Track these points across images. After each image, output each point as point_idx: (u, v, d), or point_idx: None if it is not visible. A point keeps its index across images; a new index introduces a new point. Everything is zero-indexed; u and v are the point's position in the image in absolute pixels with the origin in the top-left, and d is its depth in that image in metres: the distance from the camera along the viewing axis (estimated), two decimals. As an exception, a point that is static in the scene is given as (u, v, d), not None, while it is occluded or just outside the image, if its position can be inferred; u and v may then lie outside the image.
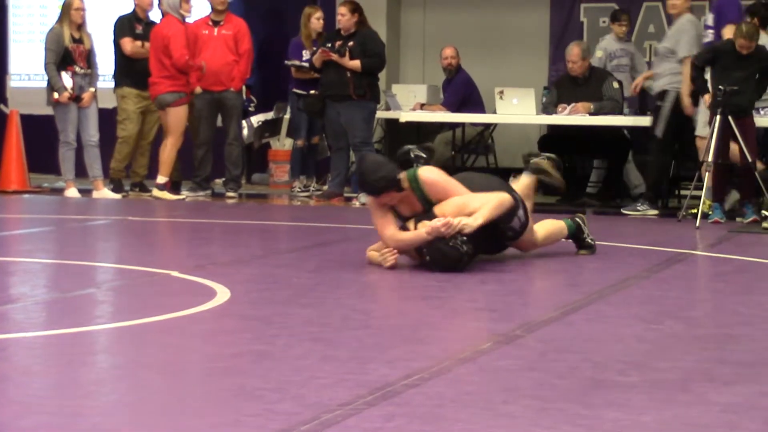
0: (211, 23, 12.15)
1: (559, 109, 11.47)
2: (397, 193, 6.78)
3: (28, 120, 13.07)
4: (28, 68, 14.92)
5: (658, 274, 7.05)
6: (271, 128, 13.50)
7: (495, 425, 3.52)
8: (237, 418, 3.55)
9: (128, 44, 12.16)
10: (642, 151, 11.18)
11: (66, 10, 11.87)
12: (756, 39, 9.76)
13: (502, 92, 11.68)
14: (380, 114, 12.23)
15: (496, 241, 7.11)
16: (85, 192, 12.03)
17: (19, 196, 12.23)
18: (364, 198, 7.13)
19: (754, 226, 9.53)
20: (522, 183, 7.61)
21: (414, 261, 6.90)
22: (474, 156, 12.81)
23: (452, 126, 12.42)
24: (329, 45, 11.35)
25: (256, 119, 13.47)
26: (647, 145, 10.88)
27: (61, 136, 11.89)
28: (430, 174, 6.93)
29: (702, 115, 10.31)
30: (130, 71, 12.12)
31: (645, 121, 10.95)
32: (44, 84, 12.00)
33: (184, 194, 12.13)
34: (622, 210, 10.75)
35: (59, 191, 12.27)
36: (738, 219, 9.90)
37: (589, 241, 7.57)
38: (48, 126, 12.19)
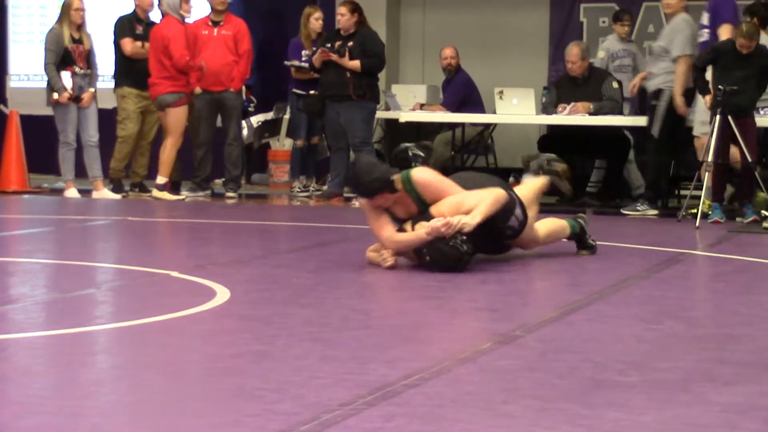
0: (210, 23, 12.15)
1: (559, 109, 11.48)
2: (391, 194, 6.77)
3: (27, 120, 13.07)
4: (27, 68, 14.92)
5: (658, 274, 7.05)
6: (270, 128, 13.50)
7: (495, 425, 3.51)
8: (237, 418, 3.54)
9: (128, 44, 12.16)
10: (643, 151, 11.19)
11: (66, 10, 11.88)
12: (756, 38, 9.77)
13: (501, 92, 11.68)
14: (380, 114, 12.23)
15: (495, 240, 7.10)
16: (85, 192, 12.03)
17: (19, 197, 12.23)
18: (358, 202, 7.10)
19: (753, 226, 9.53)
20: (533, 184, 7.58)
21: (412, 262, 6.89)
22: (474, 156, 12.81)
23: (452, 126, 12.42)
24: (329, 45, 11.35)
25: (256, 119, 13.47)
26: (645, 145, 10.89)
27: (60, 137, 11.89)
28: (423, 175, 6.93)
29: (699, 114, 10.32)
30: (131, 71, 12.13)
31: (644, 121, 10.96)
32: (44, 84, 12.00)
33: (184, 194, 12.13)
34: (621, 210, 10.75)
35: (59, 191, 12.27)
36: (738, 219, 9.90)
37: (591, 242, 7.57)
38: (48, 126, 12.19)
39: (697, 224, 9.45)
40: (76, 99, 11.76)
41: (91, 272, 6.95)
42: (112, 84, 12.56)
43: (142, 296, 6.06)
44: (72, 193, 11.99)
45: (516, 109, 11.59)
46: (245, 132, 13.12)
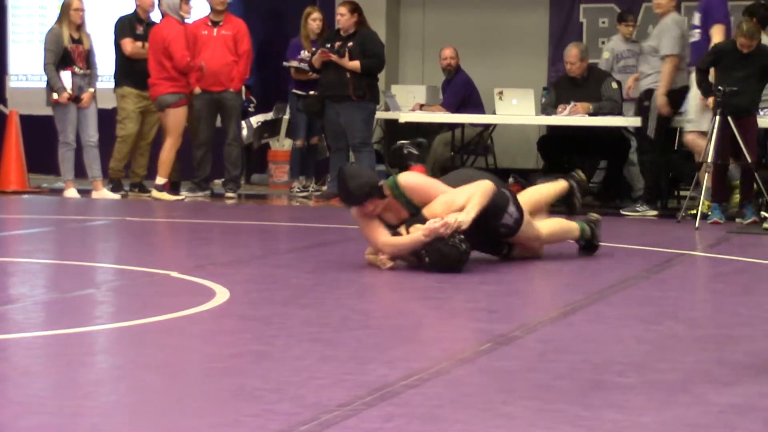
0: (210, 24, 12.15)
1: (559, 110, 11.48)
2: (380, 200, 6.75)
3: (27, 120, 13.06)
4: (27, 69, 14.92)
5: (657, 274, 7.05)
6: (270, 129, 13.50)
7: (494, 426, 3.52)
8: (236, 418, 3.55)
9: (129, 45, 12.16)
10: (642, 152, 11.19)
11: (65, 10, 11.88)
12: (757, 37, 9.77)
13: (501, 93, 11.68)
14: (380, 114, 12.22)
15: (491, 240, 7.09)
16: (85, 192, 12.03)
17: (19, 197, 12.23)
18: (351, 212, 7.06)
19: (753, 227, 9.53)
20: (547, 185, 7.55)
21: (410, 264, 6.88)
22: (473, 156, 12.81)
23: (451, 126, 12.42)
24: (328, 45, 11.35)
25: (256, 120, 13.47)
26: (642, 146, 10.89)
27: (60, 137, 11.89)
28: (409, 179, 6.93)
29: (689, 113, 10.35)
30: (131, 72, 12.13)
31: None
32: (43, 84, 12.00)
33: (184, 195, 12.13)
34: (621, 211, 10.75)
35: (58, 192, 12.27)
36: (737, 220, 9.90)
37: (596, 243, 7.53)
38: (47, 126, 12.19)
39: (697, 225, 9.45)
40: (75, 99, 11.76)
41: (91, 272, 6.95)
42: (111, 84, 12.56)
43: (141, 296, 6.06)
44: (71, 193, 11.99)
45: (516, 109, 11.59)
46: (245, 132, 13.12)
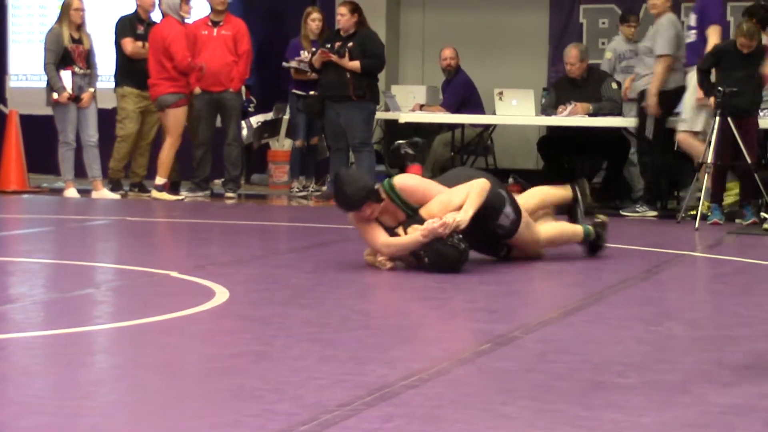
0: (210, 24, 12.15)
1: (559, 110, 11.48)
2: (377, 204, 6.75)
3: (27, 120, 13.06)
4: (27, 68, 14.92)
5: (657, 275, 7.05)
6: (270, 129, 13.49)
7: (494, 426, 3.52)
8: (236, 418, 3.55)
9: (129, 44, 12.16)
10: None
11: (65, 10, 11.88)
12: (757, 37, 9.78)
13: (501, 93, 11.69)
14: (380, 115, 12.22)
15: (490, 240, 7.08)
16: (85, 192, 12.03)
17: (19, 197, 12.23)
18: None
19: (753, 228, 9.53)
20: (551, 189, 7.53)
21: (409, 265, 6.87)
22: (473, 157, 12.81)
23: (451, 127, 12.42)
24: (328, 46, 11.35)
25: (256, 120, 13.47)
26: (641, 147, 10.90)
27: (60, 137, 11.89)
28: (405, 180, 6.94)
29: (684, 112, 10.36)
30: (131, 71, 12.13)
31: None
32: (43, 84, 12.00)
33: (183, 195, 12.13)
34: (621, 212, 10.75)
35: (58, 191, 12.27)
36: (737, 221, 9.90)
37: (601, 244, 7.47)
38: (47, 126, 12.19)
39: (697, 226, 9.45)
40: (75, 99, 11.77)
41: (91, 272, 6.95)
42: (112, 84, 12.56)
43: (141, 296, 6.06)
44: (71, 193, 11.99)
45: (515, 110, 11.60)
46: (245, 132, 13.12)
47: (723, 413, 3.69)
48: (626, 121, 11.29)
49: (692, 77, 10.35)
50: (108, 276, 6.87)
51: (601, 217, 7.58)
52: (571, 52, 11.66)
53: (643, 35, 11.28)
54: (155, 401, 3.82)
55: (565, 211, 7.59)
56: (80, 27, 11.90)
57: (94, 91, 11.94)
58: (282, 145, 13.43)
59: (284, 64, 12.25)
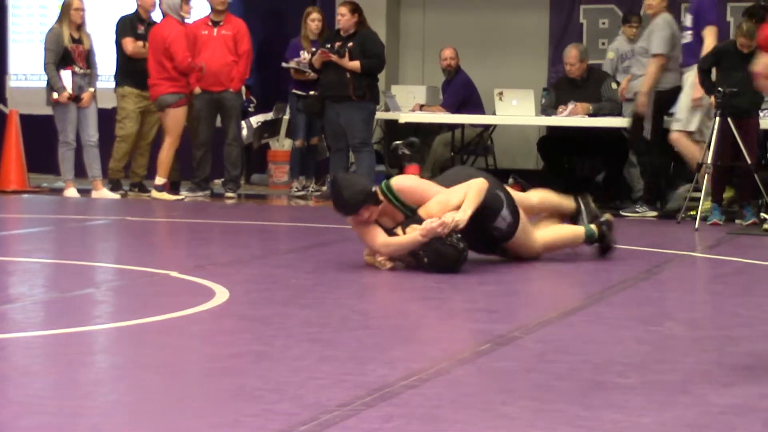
0: (210, 24, 12.15)
1: (560, 110, 11.49)
2: (375, 206, 6.75)
3: (27, 120, 13.07)
4: (27, 68, 14.92)
5: (657, 275, 7.05)
6: (270, 129, 13.49)
7: (493, 426, 3.52)
8: (236, 418, 3.55)
9: (130, 44, 12.17)
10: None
11: (65, 10, 11.88)
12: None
13: (501, 93, 11.69)
14: (380, 115, 12.22)
15: (486, 240, 7.08)
16: (84, 192, 12.03)
17: (19, 196, 12.23)
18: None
19: (753, 228, 9.53)
20: (558, 197, 7.51)
21: (408, 265, 6.87)
22: (473, 157, 12.81)
23: (451, 127, 12.42)
24: (328, 46, 11.35)
25: (256, 120, 13.47)
26: (637, 147, 10.90)
27: (60, 136, 11.90)
28: (402, 182, 6.94)
29: (679, 112, 10.37)
30: (132, 71, 12.13)
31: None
32: (43, 84, 12.00)
33: (183, 194, 12.14)
34: (621, 212, 10.75)
35: (58, 191, 12.28)
36: (737, 221, 9.90)
37: (608, 244, 7.38)
38: (47, 126, 12.19)
39: (696, 226, 9.45)
40: (75, 99, 11.77)
41: (91, 272, 6.95)
42: (112, 84, 12.56)
43: (141, 296, 6.06)
44: (71, 192, 11.99)
45: (515, 110, 11.60)
46: (245, 132, 13.12)
47: (723, 413, 3.69)
48: (626, 122, 11.29)
49: (688, 77, 10.38)
50: (108, 276, 6.87)
51: (607, 216, 7.52)
52: (571, 53, 11.67)
53: (639, 36, 11.29)
54: (155, 401, 3.82)
55: (568, 220, 7.56)
56: (80, 27, 11.91)
57: (94, 90, 11.95)
58: (282, 145, 13.43)
59: (283, 64, 12.24)
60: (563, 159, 12.02)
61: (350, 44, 11.26)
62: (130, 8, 12.53)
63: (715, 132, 9.67)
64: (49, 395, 3.88)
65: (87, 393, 3.95)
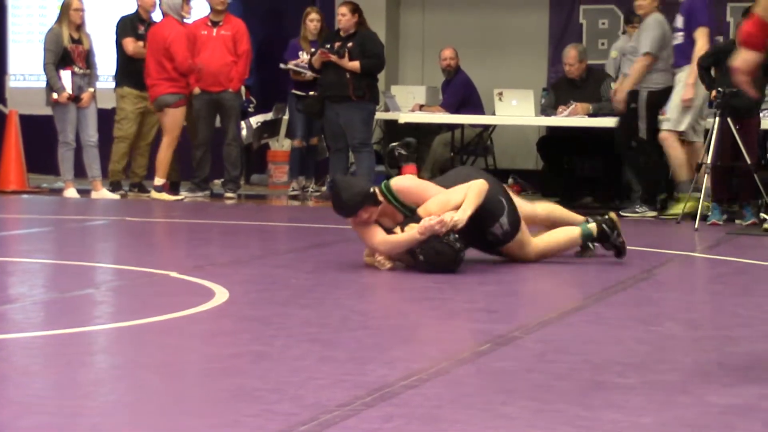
0: (210, 24, 12.15)
1: (559, 110, 11.49)
2: (375, 207, 6.75)
3: (27, 120, 13.07)
4: (27, 68, 14.92)
5: (657, 275, 7.05)
6: (270, 129, 13.50)
7: (494, 426, 3.51)
8: (236, 418, 3.54)
9: (130, 44, 12.17)
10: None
11: (65, 10, 11.88)
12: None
13: (501, 93, 11.69)
14: (379, 115, 12.23)
15: (482, 242, 7.07)
16: (84, 192, 12.03)
17: (18, 197, 12.23)
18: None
19: (753, 229, 9.53)
20: (570, 214, 7.48)
21: (407, 264, 6.87)
22: (473, 157, 12.81)
23: (451, 127, 12.43)
24: (328, 46, 11.35)
25: (255, 120, 13.47)
26: (639, 148, 10.90)
27: (60, 137, 11.90)
28: (401, 182, 6.94)
29: (671, 113, 10.37)
30: (132, 71, 12.13)
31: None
32: (43, 84, 12.00)
33: (183, 195, 12.14)
34: (620, 212, 10.74)
35: (58, 191, 12.28)
36: (737, 221, 9.90)
37: (614, 243, 7.25)
38: (47, 126, 12.19)
39: (696, 226, 9.45)
40: (75, 99, 11.77)
41: (90, 272, 6.95)
42: (112, 84, 12.57)
43: (141, 296, 6.06)
44: (71, 193, 12.00)
45: (515, 110, 11.60)
46: (244, 132, 13.12)
47: (723, 413, 3.69)
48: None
49: (680, 78, 10.39)
50: (107, 276, 6.86)
51: (611, 214, 7.45)
52: (570, 53, 11.68)
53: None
54: (155, 401, 3.82)
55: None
56: (80, 27, 11.91)
57: (94, 91, 11.95)
58: (282, 145, 13.43)
59: (281, 65, 12.24)
60: (563, 159, 12.02)
61: (350, 44, 11.26)
62: (130, 8, 12.54)
63: (715, 132, 9.67)
64: (48, 395, 3.88)
65: (87, 393, 3.95)
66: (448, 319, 5.60)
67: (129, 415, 3.66)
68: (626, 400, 3.81)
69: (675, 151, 10.39)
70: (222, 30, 12.08)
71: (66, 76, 11.74)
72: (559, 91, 11.79)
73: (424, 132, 12.82)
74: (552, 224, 7.37)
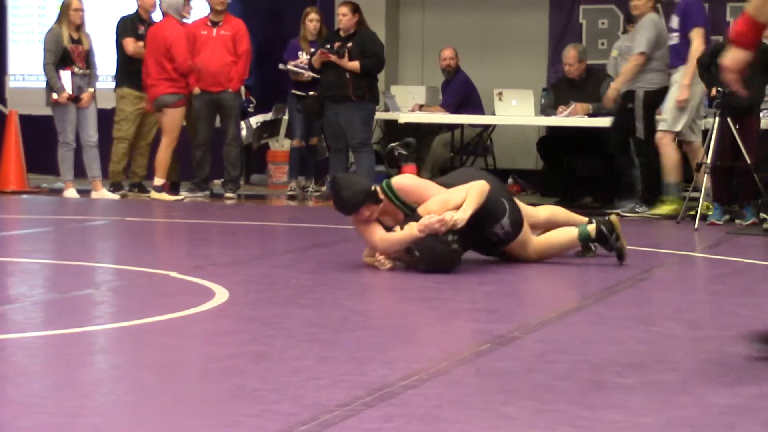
0: (209, 24, 12.15)
1: (559, 110, 11.49)
2: (376, 205, 6.75)
3: (27, 120, 13.07)
4: (27, 68, 14.92)
5: (657, 275, 7.05)
6: (269, 129, 13.50)
7: (494, 426, 3.51)
8: (236, 418, 3.54)
9: (130, 45, 12.17)
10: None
11: (65, 10, 11.88)
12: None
13: (501, 93, 11.69)
14: (379, 115, 12.23)
15: (483, 241, 7.07)
16: (84, 192, 12.03)
17: (18, 197, 12.23)
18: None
19: (752, 228, 9.53)
20: (573, 216, 7.48)
21: (406, 263, 6.87)
22: (473, 157, 12.81)
23: (451, 127, 12.43)
24: (328, 46, 11.35)
25: (255, 120, 13.47)
26: (638, 148, 10.90)
27: (60, 137, 11.90)
28: (402, 181, 6.95)
29: (667, 113, 10.38)
30: (132, 72, 12.13)
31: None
32: (43, 84, 12.00)
33: (183, 195, 12.14)
34: (620, 212, 10.74)
35: (58, 192, 12.28)
36: (737, 221, 9.90)
37: (612, 245, 7.17)
38: (47, 126, 12.19)
39: (696, 226, 9.45)
40: (75, 99, 11.77)
41: (90, 272, 6.95)
42: (112, 84, 12.57)
43: (140, 296, 6.06)
44: (71, 193, 12.00)
45: (515, 110, 11.60)
46: (244, 132, 13.12)
47: (723, 413, 3.69)
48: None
49: (675, 79, 10.40)
50: (107, 276, 6.86)
51: (612, 217, 7.41)
52: (570, 53, 11.68)
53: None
54: (155, 401, 3.82)
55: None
56: (79, 27, 11.91)
57: (94, 91, 11.95)
58: (281, 145, 13.43)
59: (280, 66, 12.23)
60: (563, 159, 12.02)
61: (349, 44, 11.26)
62: (130, 8, 12.53)
63: (714, 132, 9.67)
64: (48, 395, 3.88)
65: (87, 393, 3.95)
66: (448, 319, 5.60)
67: (129, 415, 3.66)
68: (626, 400, 3.81)
69: (669, 153, 10.40)
70: (222, 30, 12.08)
71: (66, 76, 11.74)
72: (558, 91, 11.79)
73: (424, 132, 12.82)
74: (554, 227, 7.36)
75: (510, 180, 12.46)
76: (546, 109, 11.74)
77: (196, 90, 12.05)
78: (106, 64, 12.80)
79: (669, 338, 5.04)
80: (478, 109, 12.53)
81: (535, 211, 7.38)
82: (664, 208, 10.36)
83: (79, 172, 12.01)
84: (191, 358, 4.54)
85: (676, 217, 10.02)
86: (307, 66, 11.76)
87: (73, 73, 11.78)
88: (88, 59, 11.93)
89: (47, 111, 12.01)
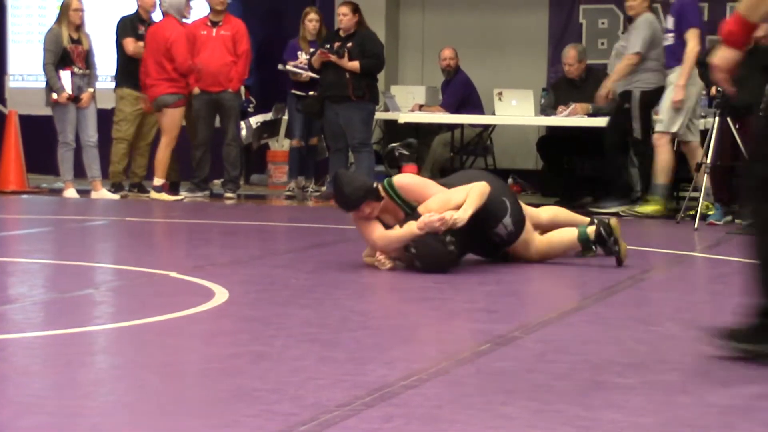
0: (209, 24, 12.16)
1: (559, 110, 11.49)
2: (377, 202, 6.76)
3: (26, 120, 13.07)
4: (26, 69, 14.93)
5: (657, 275, 7.04)
6: (269, 129, 13.50)
7: (493, 426, 3.51)
8: (235, 418, 3.54)
9: (131, 45, 12.17)
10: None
11: (64, 10, 11.88)
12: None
13: (500, 93, 11.70)
14: (379, 115, 12.23)
15: (485, 243, 7.07)
16: (84, 192, 12.04)
17: (18, 197, 12.23)
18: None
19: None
20: (574, 216, 7.47)
21: (405, 262, 6.87)
22: (473, 157, 12.81)
23: (451, 127, 12.43)
24: (328, 46, 11.35)
25: (255, 120, 13.47)
26: (637, 148, 10.91)
27: (59, 137, 11.90)
28: (404, 179, 6.96)
29: (663, 114, 10.38)
30: (132, 72, 12.13)
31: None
32: (43, 84, 12.00)
33: (183, 195, 12.14)
34: (619, 212, 10.74)
35: (58, 192, 12.28)
36: (737, 221, 9.90)
37: (610, 247, 7.11)
38: (47, 126, 12.19)
39: (696, 226, 9.46)
40: (75, 99, 11.77)
41: (90, 272, 6.95)
42: (112, 84, 12.58)
43: (140, 296, 6.06)
44: (71, 193, 12.00)
45: (515, 110, 11.61)
46: (244, 132, 13.12)
47: (723, 413, 3.69)
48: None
49: (671, 79, 10.40)
50: (107, 276, 6.86)
51: (612, 219, 7.38)
52: (569, 53, 11.69)
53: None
54: (155, 401, 3.82)
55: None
56: (79, 27, 11.91)
57: (94, 91, 11.95)
58: (281, 145, 13.44)
59: (279, 66, 12.23)
60: (563, 159, 12.02)
61: (349, 44, 11.27)
62: (130, 8, 12.54)
63: (714, 131, 9.68)
64: (48, 395, 3.88)
65: (87, 393, 3.95)
66: (448, 319, 5.60)
67: (129, 415, 3.66)
68: (626, 400, 3.81)
69: (664, 155, 10.40)
70: (221, 30, 12.08)
71: (65, 76, 11.74)
72: (558, 91, 11.79)
73: (424, 132, 12.83)
74: (556, 228, 7.36)
75: (510, 180, 12.46)
76: (546, 109, 11.74)
77: (196, 90, 12.05)
78: (105, 64, 12.80)
79: (669, 338, 5.04)
80: (478, 109, 12.53)
81: (538, 213, 7.38)
82: (648, 208, 10.38)
83: (79, 172, 12.01)
84: (191, 358, 4.54)
85: (659, 217, 10.02)
86: (306, 66, 11.76)
87: (72, 73, 11.78)
88: (87, 59, 11.93)
89: (47, 111, 12.02)
